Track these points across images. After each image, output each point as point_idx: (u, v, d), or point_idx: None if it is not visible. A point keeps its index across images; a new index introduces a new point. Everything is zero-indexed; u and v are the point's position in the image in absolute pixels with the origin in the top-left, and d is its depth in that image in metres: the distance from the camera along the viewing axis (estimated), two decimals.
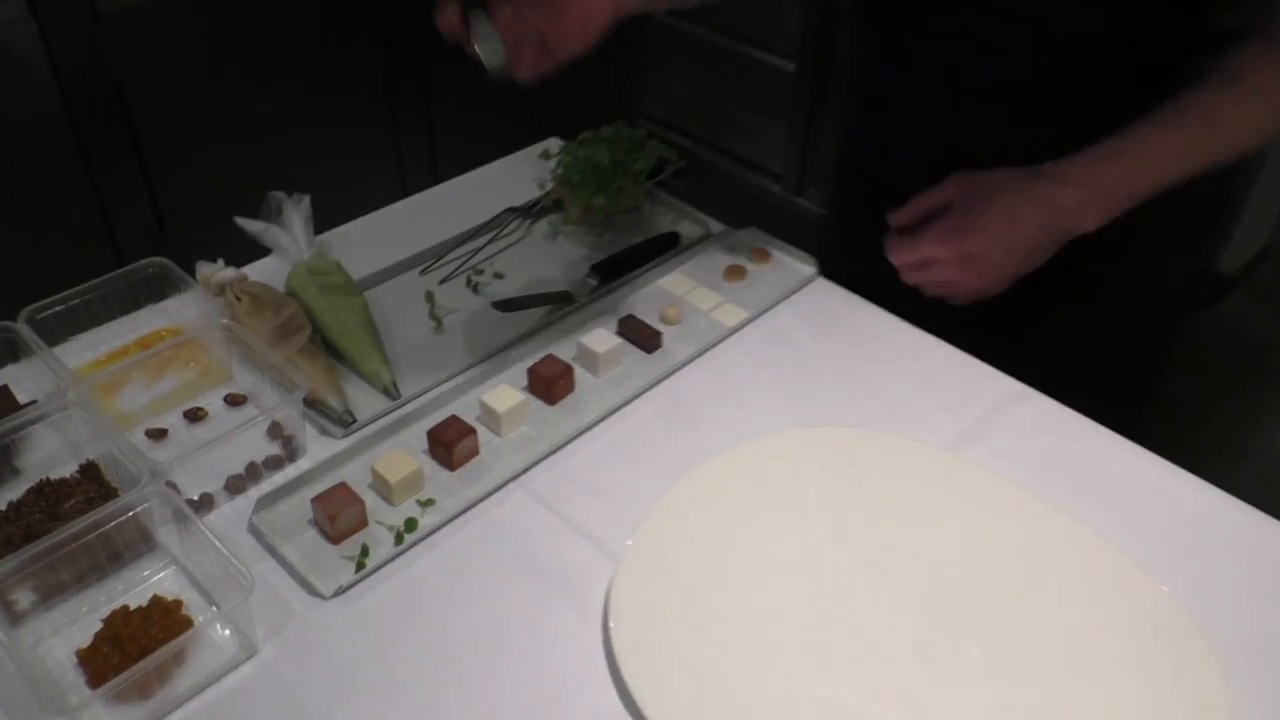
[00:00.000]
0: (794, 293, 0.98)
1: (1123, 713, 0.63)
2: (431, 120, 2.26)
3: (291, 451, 0.81)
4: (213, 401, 0.86)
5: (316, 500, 0.74)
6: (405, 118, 2.24)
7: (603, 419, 0.84)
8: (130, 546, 0.72)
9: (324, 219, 1.02)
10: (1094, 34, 0.83)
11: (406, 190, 1.15)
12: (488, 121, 2.26)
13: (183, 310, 0.92)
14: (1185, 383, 1.05)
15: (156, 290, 0.92)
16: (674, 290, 0.98)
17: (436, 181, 1.16)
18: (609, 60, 2.60)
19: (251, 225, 0.99)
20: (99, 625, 0.67)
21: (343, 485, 0.75)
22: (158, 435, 0.82)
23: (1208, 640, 0.66)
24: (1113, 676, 0.65)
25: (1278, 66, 0.80)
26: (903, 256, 0.86)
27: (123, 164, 1.91)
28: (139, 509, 0.71)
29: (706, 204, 1.10)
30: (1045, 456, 0.81)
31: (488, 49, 0.77)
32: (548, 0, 0.77)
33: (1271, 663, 0.66)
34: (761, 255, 1.01)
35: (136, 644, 0.65)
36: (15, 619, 0.68)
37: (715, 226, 1.07)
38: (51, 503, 0.76)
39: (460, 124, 2.31)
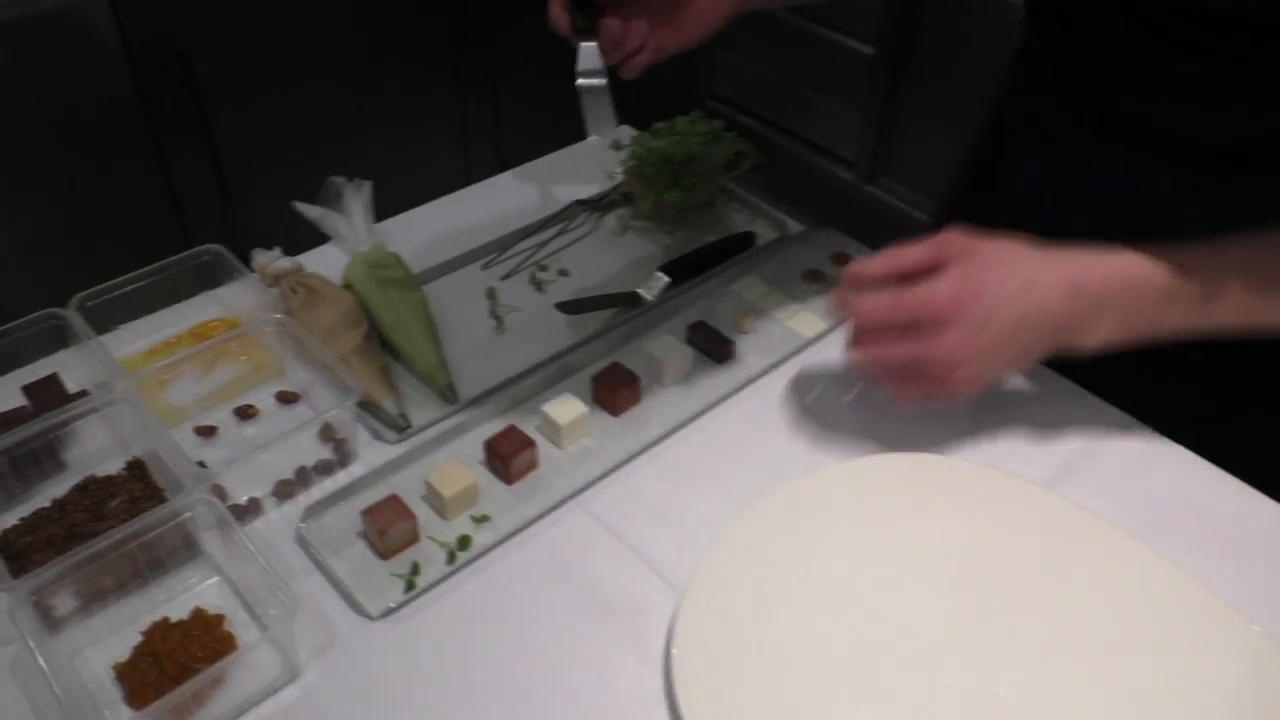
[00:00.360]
0: None
1: None
2: (498, 101, 2.21)
3: (343, 456, 0.77)
4: (264, 398, 0.83)
5: (367, 513, 0.71)
6: (472, 97, 2.19)
7: (669, 434, 0.79)
8: (173, 553, 0.69)
9: (385, 199, 0.98)
10: None
11: (470, 173, 1.11)
12: (556, 104, 2.21)
13: (237, 299, 0.89)
14: None
15: (211, 277, 0.89)
16: (748, 295, 0.92)
17: (502, 166, 1.11)
18: None
19: (310, 211, 0.95)
20: (138, 637, 0.64)
21: (394, 498, 0.71)
22: (207, 432, 0.79)
23: None
24: None
25: None
26: (868, 315, 0.69)
27: (188, 133, 1.90)
28: (183, 517, 0.68)
29: (773, 188, 1.04)
30: (1150, 497, 0.74)
31: (588, 67, 0.74)
32: (663, 8, 0.74)
33: None
34: (842, 260, 0.95)
35: (175, 662, 0.62)
36: (54, 625, 0.66)
37: (793, 226, 1.01)
38: (96, 501, 0.73)
39: (527, 106, 2.26)
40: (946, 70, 2.07)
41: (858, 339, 0.71)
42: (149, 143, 1.86)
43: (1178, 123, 0.75)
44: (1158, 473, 0.77)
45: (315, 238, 0.96)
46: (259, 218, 2.04)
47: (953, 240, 0.69)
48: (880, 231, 1.00)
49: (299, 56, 1.98)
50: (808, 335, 0.88)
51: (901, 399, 0.72)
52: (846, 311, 0.70)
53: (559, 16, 0.76)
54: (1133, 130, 0.78)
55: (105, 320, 0.84)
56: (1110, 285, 0.68)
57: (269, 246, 0.90)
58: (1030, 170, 0.88)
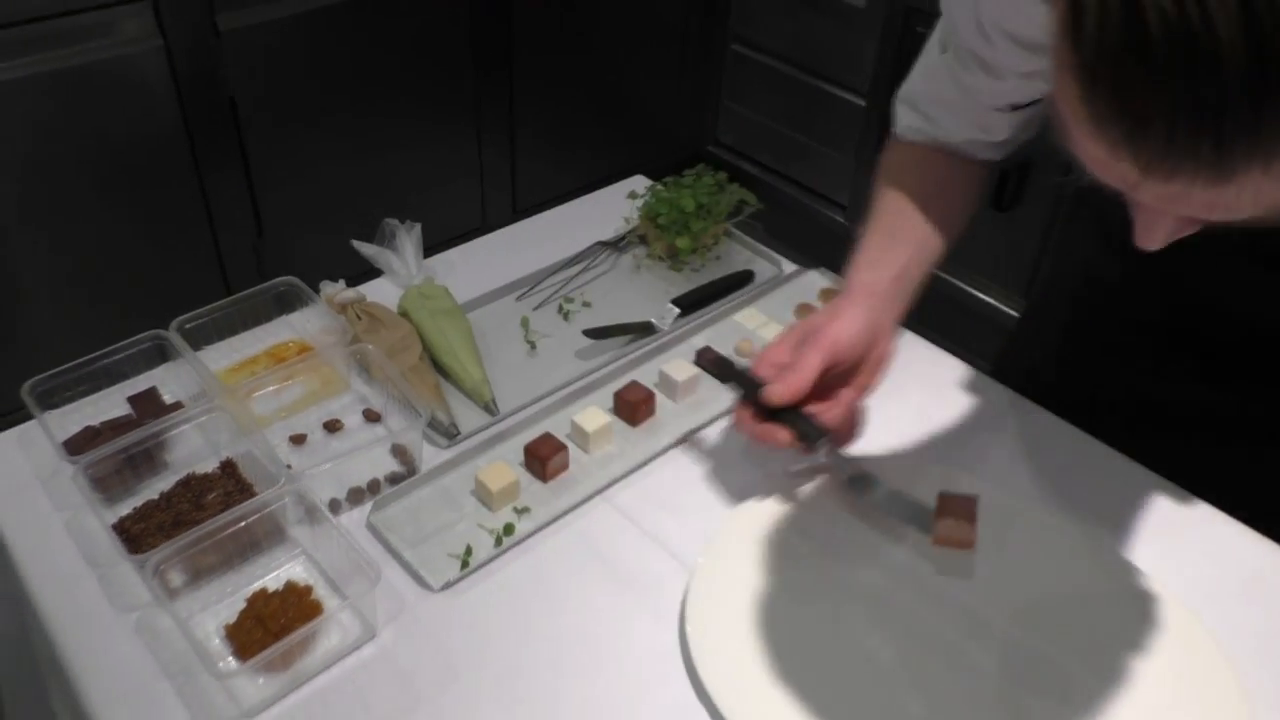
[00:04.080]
0: None
1: None
2: (514, 151, 2.37)
3: (411, 469, 0.90)
4: (349, 416, 0.95)
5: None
6: (490, 149, 2.36)
7: (680, 441, 0.93)
8: (267, 536, 0.82)
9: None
10: None
11: (485, 216, 1.24)
12: (567, 154, 2.37)
13: (307, 324, 1.03)
14: None
15: (285, 305, 1.03)
16: (748, 324, 1.06)
17: (515, 211, 1.25)
18: (686, 87, 2.70)
19: (366, 248, 1.10)
20: (242, 604, 0.77)
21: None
22: (298, 440, 0.93)
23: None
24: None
25: None
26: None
27: (229, 171, 2.05)
28: (276, 505, 0.81)
29: (772, 230, 1.17)
30: (1124, 516, 0.87)
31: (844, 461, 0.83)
32: (851, 368, 0.81)
33: None
34: (830, 295, 1.10)
35: (277, 622, 0.75)
36: (171, 595, 0.79)
37: (787, 266, 1.15)
38: (196, 494, 0.86)
39: (541, 156, 2.43)
40: None
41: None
42: (194, 183, 2.01)
43: None
44: (1133, 499, 0.90)
45: (347, 261, 1.09)
46: (290, 249, 2.19)
47: None
48: None
49: (332, 105, 2.13)
50: None
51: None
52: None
53: (774, 433, 0.79)
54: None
55: (196, 341, 0.98)
56: None
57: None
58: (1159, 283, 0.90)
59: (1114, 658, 0.75)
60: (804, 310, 1.08)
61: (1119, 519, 0.87)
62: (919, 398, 0.98)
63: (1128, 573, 0.81)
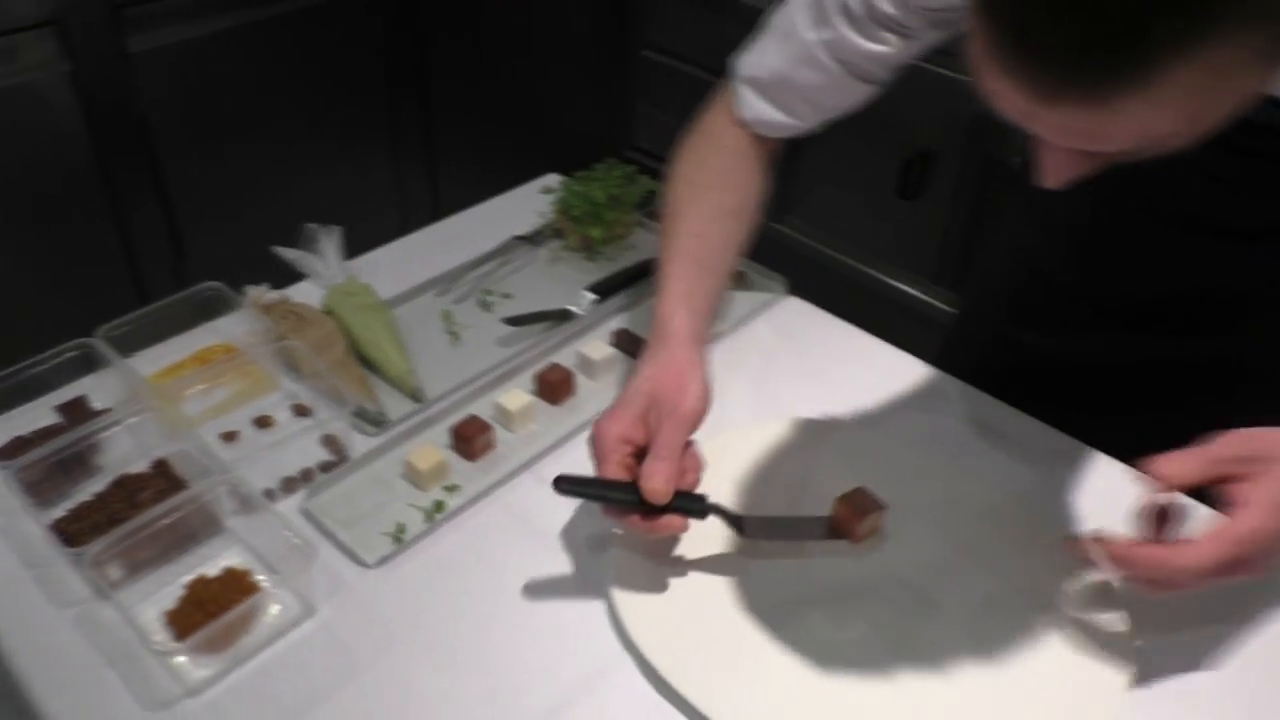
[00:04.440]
0: (766, 308, 1.12)
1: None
2: (434, 162, 2.41)
3: (342, 457, 0.93)
4: (279, 412, 0.98)
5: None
6: (408, 162, 2.40)
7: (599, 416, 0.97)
8: (204, 527, 0.85)
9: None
10: None
11: (406, 225, 1.27)
12: (484, 167, 2.41)
13: (233, 328, 1.05)
14: None
15: (211, 310, 1.05)
16: None
17: (435, 218, 1.29)
18: (600, 93, 2.76)
19: (288, 253, 1.13)
20: (181, 592, 0.80)
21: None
22: (229, 437, 0.95)
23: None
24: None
25: None
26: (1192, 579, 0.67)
27: (144, 194, 2.04)
28: (209, 497, 0.84)
29: None
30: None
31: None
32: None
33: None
34: (736, 276, 1.15)
35: (217, 604, 0.78)
36: (111, 587, 0.81)
37: None
38: (130, 493, 0.88)
39: (458, 172, 2.46)
40: (845, 123, 2.32)
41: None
42: (106, 202, 2.00)
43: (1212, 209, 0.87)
44: (1015, 453, 0.97)
45: (266, 277, 1.12)
46: (211, 268, 2.19)
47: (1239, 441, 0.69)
48: (781, 260, 1.21)
49: (246, 122, 2.14)
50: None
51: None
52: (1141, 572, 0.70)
53: (670, 525, 0.78)
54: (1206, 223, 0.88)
55: (122, 348, 1.00)
56: None
57: None
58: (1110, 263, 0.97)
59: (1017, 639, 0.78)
60: None
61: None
62: (850, 386, 1.04)
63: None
